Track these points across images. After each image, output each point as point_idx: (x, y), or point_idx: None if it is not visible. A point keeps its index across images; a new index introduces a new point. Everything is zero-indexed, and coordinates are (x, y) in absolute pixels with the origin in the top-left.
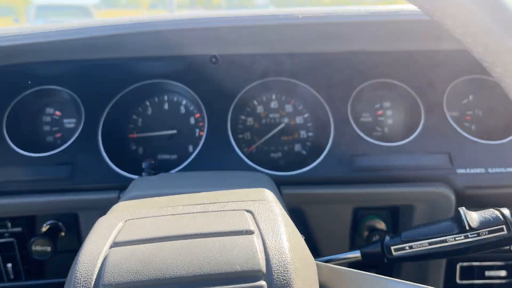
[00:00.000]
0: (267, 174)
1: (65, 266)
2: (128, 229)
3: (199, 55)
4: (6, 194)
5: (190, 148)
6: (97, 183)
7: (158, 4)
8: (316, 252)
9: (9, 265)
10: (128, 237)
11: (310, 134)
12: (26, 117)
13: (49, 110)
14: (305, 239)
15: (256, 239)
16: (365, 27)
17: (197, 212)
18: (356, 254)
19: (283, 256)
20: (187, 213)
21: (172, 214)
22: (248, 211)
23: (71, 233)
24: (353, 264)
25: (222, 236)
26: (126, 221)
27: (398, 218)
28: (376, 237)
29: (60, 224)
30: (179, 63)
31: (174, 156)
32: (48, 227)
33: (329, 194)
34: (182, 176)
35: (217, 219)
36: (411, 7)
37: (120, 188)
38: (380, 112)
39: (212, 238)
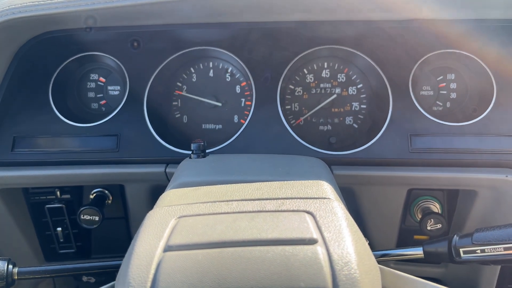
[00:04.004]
0: (319, 153)
1: (111, 231)
2: (181, 228)
3: (249, 22)
4: (54, 164)
5: (235, 118)
6: (143, 156)
7: None
8: (365, 232)
9: (59, 229)
10: (182, 240)
11: (364, 106)
12: (71, 85)
13: (94, 76)
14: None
15: (320, 250)
16: None
17: (253, 211)
18: (417, 252)
19: (351, 271)
20: (243, 212)
21: (227, 213)
22: (309, 212)
23: (117, 200)
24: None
25: (283, 245)
26: (178, 217)
27: (455, 202)
28: (430, 222)
29: (107, 192)
30: (226, 30)
31: (219, 126)
32: (95, 194)
33: (384, 176)
34: (232, 160)
35: (276, 222)
36: None
37: (166, 161)
38: (442, 84)
39: (272, 247)
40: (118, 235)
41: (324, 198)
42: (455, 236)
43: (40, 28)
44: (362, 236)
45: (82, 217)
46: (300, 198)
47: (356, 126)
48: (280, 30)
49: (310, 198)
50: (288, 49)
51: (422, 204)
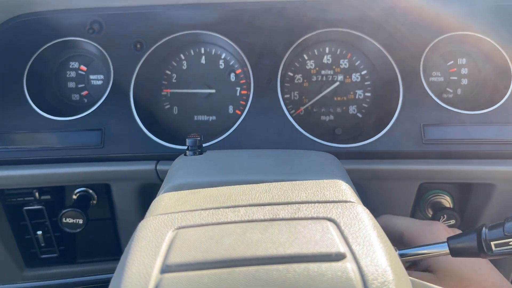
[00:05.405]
0: (325, 146)
1: (97, 233)
2: (181, 243)
3: (244, 2)
4: (31, 162)
5: (230, 108)
6: (130, 152)
7: None
8: None
9: (39, 232)
10: (183, 258)
11: (368, 94)
12: (48, 74)
13: (73, 64)
14: None
15: (350, 267)
16: None
17: (266, 220)
18: (442, 249)
19: None
20: (253, 221)
21: (235, 222)
22: (331, 220)
23: (103, 200)
24: None
25: (306, 262)
26: (177, 229)
27: (469, 195)
28: (443, 218)
29: (91, 191)
30: (219, 12)
31: (212, 117)
32: (78, 195)
33: (396, 170)
34: (234, 157)
35: (294, 233)
36: None
37: (156, 158)
38: (453, 69)
39: (293, 265)
40: (105, 238)
41: (346, 201)
42: (484, 228)
43: (11, 11)
44: (392, 246)
45: (64, 221)
46: (318, 202)
47: (360, 115)
48: (279, 12)
49: (329, 202)
50: (288, 33)
51: (432, 198)
